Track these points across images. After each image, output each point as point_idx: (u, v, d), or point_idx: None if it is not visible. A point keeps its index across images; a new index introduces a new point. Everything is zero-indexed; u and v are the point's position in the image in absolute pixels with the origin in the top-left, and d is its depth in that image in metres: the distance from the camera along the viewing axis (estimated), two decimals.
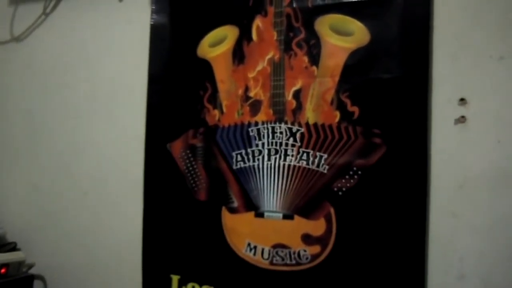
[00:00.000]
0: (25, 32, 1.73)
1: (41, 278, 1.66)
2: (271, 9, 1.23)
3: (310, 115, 1.16)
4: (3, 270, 1.47)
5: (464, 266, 1.03)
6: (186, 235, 1.34)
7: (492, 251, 1.01)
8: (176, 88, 1.36)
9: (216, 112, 1.30)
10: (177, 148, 1.36)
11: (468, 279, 1.03)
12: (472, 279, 1.02)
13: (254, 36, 1.25)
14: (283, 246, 1.19)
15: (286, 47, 1.20)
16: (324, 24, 1.17)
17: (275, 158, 1.21)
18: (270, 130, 1.21)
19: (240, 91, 1.26)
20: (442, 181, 1.05)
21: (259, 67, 1.23)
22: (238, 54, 1.27)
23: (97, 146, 1.57)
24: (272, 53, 1.22)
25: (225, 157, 1.27)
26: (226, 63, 1.28)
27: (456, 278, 1.04)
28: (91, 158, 1.59)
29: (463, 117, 1.04)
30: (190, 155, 1.33)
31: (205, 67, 1.31)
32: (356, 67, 1.12)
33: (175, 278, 1.35)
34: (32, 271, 1.60)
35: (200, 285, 1.31)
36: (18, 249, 1.65)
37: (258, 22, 1.25)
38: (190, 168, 1.33)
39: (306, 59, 1.17)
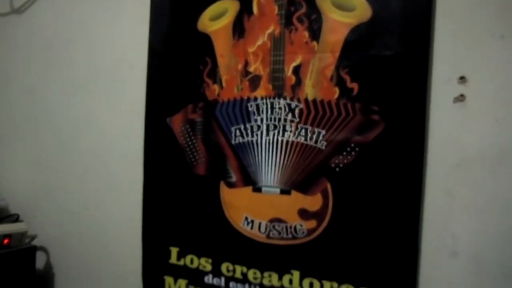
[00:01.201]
0: (25, 4, 1.72)
1: (43, 249, 1.70)
2: None
3: (309, 91, 1.16)
4: (6, 241, 1.50)
5: (457, 243, 1.04)
6: (185, 209, 1.36)
7: (485, 230, 1.02)
8: (176, 63, 1.36)
9: (216, 87, 1.29)
10: (176, 122, 1.36)
11: (461, 256, 1.04)
12: (465, 256, 1.04)
13: (255, 10, 1.24)
14: (279, 221, 1.21)
15: (287, 21, 1.19)
16: None
17: (274, 134, 1.21)
18: (269, 106, 1.21)
19: (240, 66, 1.25)
20: (439, 159, 1.05)
21: (259, 42, 1.22)
22: (239, 28, 1.26)
23: (98, 120, 1.58)
24: (272, 28, 1.21)
25: (224, 132, 1.28)
26: (226, 37, 1.27)
27: (448, 255, 1.05)
28: (92, 132, 1.60)
29: (462, 95, 1.03)
30: (189, 129, 1.34)
31: (205, 41, 1.30)
32: (357, 43, 1.10)
33: (174, 250, 1.38)
34: (35, 242, 1.64)
35: (199, 257, 1.34)
36: (21, 221, 1.68)
37: None
38: (190, 143, 1.34)
39: (306, 34, 1.16)
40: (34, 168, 1.75)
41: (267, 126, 1.22)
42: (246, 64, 1.24)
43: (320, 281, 1.16)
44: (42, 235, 1.67)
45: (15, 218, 1.69)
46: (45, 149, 1.72)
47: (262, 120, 1.23)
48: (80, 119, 1.62)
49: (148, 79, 1.42)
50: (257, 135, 1.23)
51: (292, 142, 1.19)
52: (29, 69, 1.75)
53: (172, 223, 1.38)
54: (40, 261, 1.66)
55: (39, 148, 1.74)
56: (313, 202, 1.17)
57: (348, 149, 1.12)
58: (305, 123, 1.17)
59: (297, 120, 1.18)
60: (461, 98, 1.03)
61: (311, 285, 1.17)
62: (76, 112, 1.64)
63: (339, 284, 1.14)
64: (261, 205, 1.23)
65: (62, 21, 1.66)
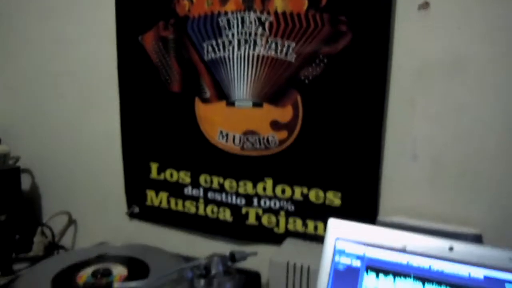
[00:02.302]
0: None
1: (28, 171, 1.75)
2: None
3: (278, 3, 1.16)
4: None
5: (417, 147, 1.12)
6: (162, 126, 1.40)
7: (443, 135, 1.09)
8: None
9: (186, 2, 1.27)
10: (149, 40, 1.36)
11: (420, 158, 1.12)
12: (424, 158, 1.12)
13: None
14: (253, 133, 1.26)
15: None
16: None
17: (245, 48, 1.22)
18: (239, 20, 1.21)
19: None
20: (402, 68, 1.09)
21: None
22: None
23: (71, 42, 1.56)
24: None
25: (197, 48, 1.29)
26: None
27: (409, 158, 1.13)
28: (66, 55, 1.58)
29: (426, 3, 1.05)
30: (162, 47, 1.34)
31: None
32: None
33: (154, 166, 1.44)
34: (19, 165, 1.68)
35: (178, 171, 1.40)
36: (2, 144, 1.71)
37: None
38: (163, 61, 1.35)
39: None
40: (10, 93, 1.75)
41: (238, 41, 1.23)
42: None
43: (291, 187, 1.25)
44: (25, 157, 1.71)
45: None
46: (17, 75, 1.71)
47: (233, 35, 1.23)
48: (53, 42, 1.60)
49: None
50: (229, 50, 1.25)
51: (263, 56, 1.21)
52: None
53: (150, 140, 1.43)
54: (25, 183, 1.72)
55: (14, 73, 1.72)
56: (284, 113, 1.22)
57: (317, 60, 1.15)
58: (275, 36, 1.18)
59: (267, 33, 1.19)
60: (425, 5, 1.05)
61: (283, 191, 1.26)
62: (45, 36, 1.61)
63: (309, 188, 1.23)
64: (235, 119, 1.28)
65: None
